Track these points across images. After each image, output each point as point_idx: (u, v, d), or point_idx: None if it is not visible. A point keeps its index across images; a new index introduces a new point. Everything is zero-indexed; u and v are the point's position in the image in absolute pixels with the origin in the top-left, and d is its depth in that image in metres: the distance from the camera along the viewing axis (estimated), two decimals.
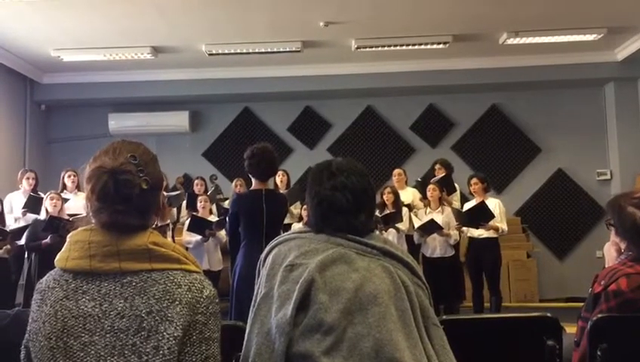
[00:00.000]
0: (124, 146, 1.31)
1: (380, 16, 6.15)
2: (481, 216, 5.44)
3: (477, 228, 5.54)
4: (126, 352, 1.17)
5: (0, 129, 7.33)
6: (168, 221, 6.00)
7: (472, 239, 5.68)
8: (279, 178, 6.82)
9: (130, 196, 1.25)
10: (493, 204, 5.63)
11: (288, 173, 7.05)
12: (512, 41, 6.87)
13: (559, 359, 1.97)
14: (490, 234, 5.55)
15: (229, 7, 5.83)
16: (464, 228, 5.63)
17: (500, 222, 5.57)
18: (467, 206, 5.74)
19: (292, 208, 6.32)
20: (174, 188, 7.33)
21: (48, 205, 5.50)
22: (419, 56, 7.47)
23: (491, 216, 5.42)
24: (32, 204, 5.77)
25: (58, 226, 5.18)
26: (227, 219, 4.20)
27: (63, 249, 1.28)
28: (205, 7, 5.81)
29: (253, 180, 3.98)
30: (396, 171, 6.68)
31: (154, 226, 1.34)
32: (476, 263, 5.65)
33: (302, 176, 7.68)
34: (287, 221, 5.17)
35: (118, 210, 1.24)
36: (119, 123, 8.26)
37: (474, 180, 5.73)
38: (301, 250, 1.54)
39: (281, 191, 6.08)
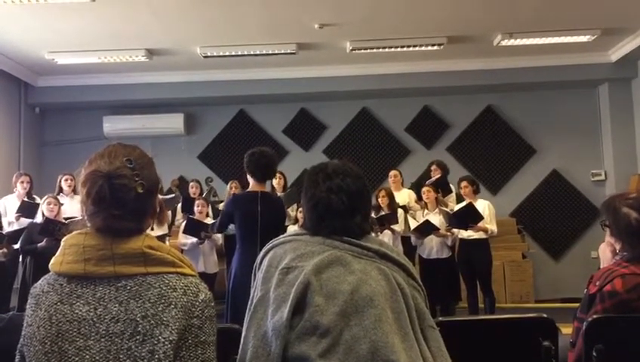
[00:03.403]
0: (119, 150, 1.30)
1: (375, 18, 6.15)
2: (469, 217, 5.46)
3: (466, 229, 5.56)
4: (121, 356, 1.16)
5: None
6: (167, 230, 6.00)
7: (462, 240, 5.70)
8: (276, 180, 6.82)
9: (125, 200, 1.24)
10: (483, 205, 5.65)
11: (285, 175, 7.05)
12: (506, 42, 6.89)
13: (555, 360, 1.98)
14: (480, 235, 5.58)
15: (223, 9, 5.83)
16: (454, 230, 5.65)
17: (490, 223, 5.60)
18: (456, 208, 5.76)
19: (289, 210, 6.31)
20: (169, 191, 7.31)
21: (45, 209, 5.50)
22: (413, 58, 7.49)
23: (480, 217, 5.45)
24: (26, 209, 5.76)
25: (54, 229, 5.17)
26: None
27: (57, 253, 1.27)
28: (200, 9, 5.80)
29: (250, 181, 3.98)
30: (392, 173, 6.69)
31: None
32: (468, 264, 5.67)
33: (297, 178, 7.67)
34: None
35: (114, 214, 1.24)
36: (114, 126, 8.24)
37: (463, 183, 5.76)
38: (297, 253, 1.54)
39: (279, 194, 6.08)
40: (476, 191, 5.77)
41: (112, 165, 1.25)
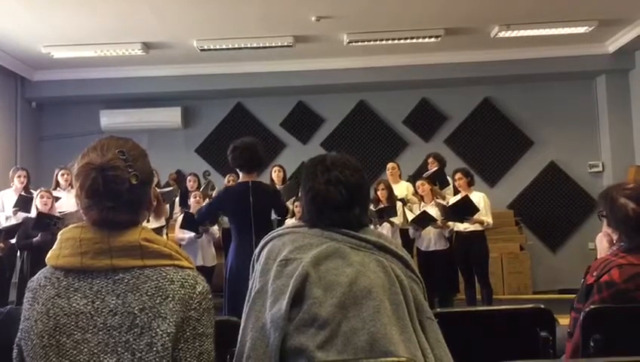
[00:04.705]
0: (112, 142, 1.30)
1: (372, 10, 6.13)
2: (465, 209, 5.47)
3: (462, 222, 5.57)
4: (119, 349, 1.17)
5: None
6: (164, 223, 5.97)
7: (458, 233, 5.70)
8: (275, 173, 6.81)
9: (119, 192, 1.24)
10: (478, 197, 5.65)
11: (284, 168, 7.03)
12: (503, 34, 6.87)
13: (552, 350, 1.98)
14: (476, 227, 5.58)
15: (220, 2, 5.80)
16: (449, 223, 5.65)
17: (485, 215, 5.60)
18: (452, 200, 5.76)
19: (288, 203, 6.30)
20: (167, 185, 7.30)
21: (38, 203, 5.47)
22: (411, 50, 7.46)
23: (476, 209, 5.45)
24: (23, 203, 5.75)
25: (47, 224, 5.13)
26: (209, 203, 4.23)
27: (54, 246, 1.27)
28: (196, 2, 5.77)
29: (240, 174, 3.99)
30: (390, 165, 6.69)
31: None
32: (464, 257, 5.67)
33: (295, 171, 7.66)
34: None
35: (108, 206, 1.23)
36: (111, 119, 8.22)
37: (458, 175, 5.75)
38: (295, 245, 1.54)
39: (278, 187, 6.07)
40: (471, 183, 5.76)
41: (105, 157, 1.25)
